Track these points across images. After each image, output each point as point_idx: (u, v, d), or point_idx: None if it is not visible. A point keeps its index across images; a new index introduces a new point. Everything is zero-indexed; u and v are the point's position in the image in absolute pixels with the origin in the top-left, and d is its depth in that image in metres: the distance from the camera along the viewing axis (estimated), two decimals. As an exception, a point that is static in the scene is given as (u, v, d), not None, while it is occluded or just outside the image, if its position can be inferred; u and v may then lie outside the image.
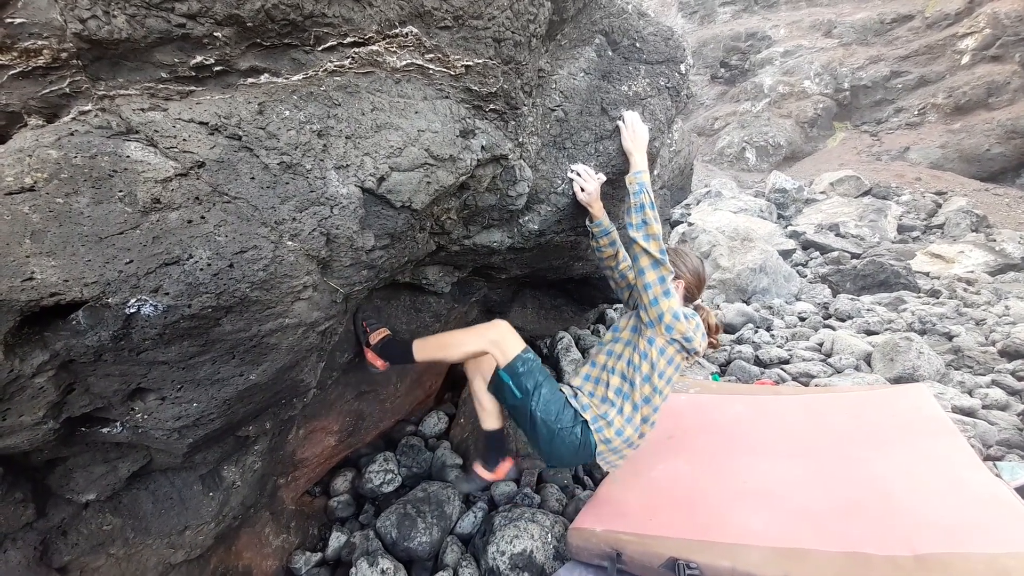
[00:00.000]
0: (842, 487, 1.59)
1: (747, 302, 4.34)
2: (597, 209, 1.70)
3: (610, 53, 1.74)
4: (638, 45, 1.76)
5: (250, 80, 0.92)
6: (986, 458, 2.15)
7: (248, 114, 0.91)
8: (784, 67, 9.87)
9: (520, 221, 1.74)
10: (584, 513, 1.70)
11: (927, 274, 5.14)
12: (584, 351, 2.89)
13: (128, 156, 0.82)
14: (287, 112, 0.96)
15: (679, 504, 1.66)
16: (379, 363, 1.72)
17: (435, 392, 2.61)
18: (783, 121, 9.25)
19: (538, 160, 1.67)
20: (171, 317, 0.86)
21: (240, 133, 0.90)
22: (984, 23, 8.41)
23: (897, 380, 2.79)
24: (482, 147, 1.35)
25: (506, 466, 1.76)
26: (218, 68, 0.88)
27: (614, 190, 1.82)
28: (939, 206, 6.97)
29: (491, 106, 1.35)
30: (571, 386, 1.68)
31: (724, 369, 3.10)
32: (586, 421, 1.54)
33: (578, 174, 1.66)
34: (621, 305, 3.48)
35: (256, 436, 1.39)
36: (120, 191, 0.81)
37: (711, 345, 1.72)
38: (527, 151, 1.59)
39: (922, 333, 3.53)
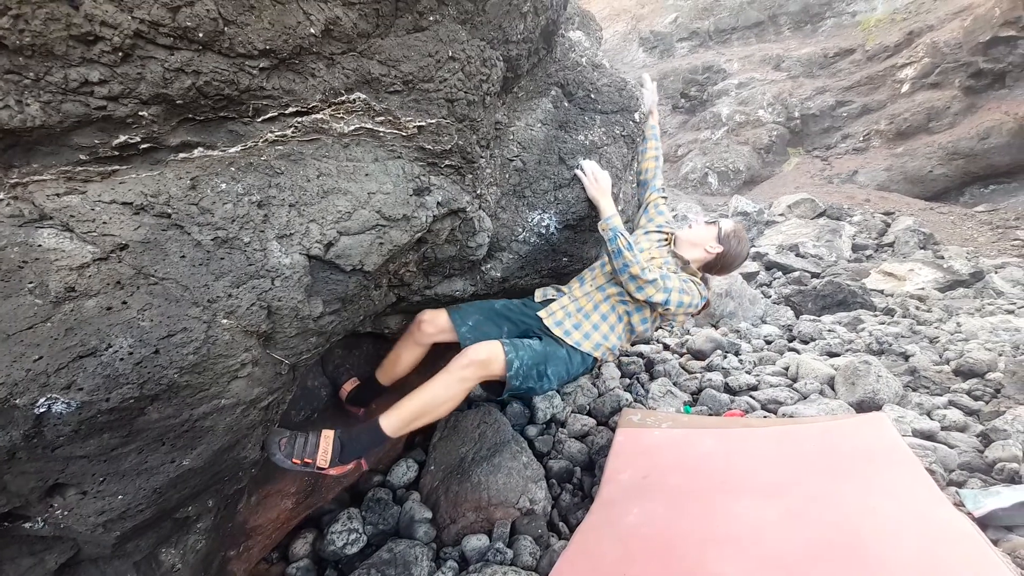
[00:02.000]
0: (812, 530, 1.58)
1: (715, 326, 4.42)
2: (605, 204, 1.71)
3: (566, 104, 1.78)
4: (593, 96, 1.81)
5: (182, 155, 0.88)
6: (949, 483, 2.20)
7: (179, 191, 0.87)
8: (739, 97, 10.44)
9: (482, 269, 1.72)
10: (557, 570, 1.64)
11: (882, 291, 5.37)
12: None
13: (40, 245, 0.76)
14: (223, 185, 0.92)
15: (653, 555, 1.62)
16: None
17: (404, 438, 2.51)
18: (741, 148, 9.71)
19: (498, 209, 1.67)
20: (86, 413, 0.78)
21: (169, 211, 0.85)
22: (923, 52, 8.96)
23: (859, 404, 2.85)
24: (438, 203, 1.33)
25: (352, 469, 1.47)
26: (145, 146, 0.84)
27: (576, 235, 1.83)
28: (888, 225, 7.36)
29: (447, 162, 1.35)
30: (564, 306, 1.77)
31: (696, 398, 3.11)
32: (595, 358, 1.75)
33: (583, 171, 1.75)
34: None
35: (198, 514, 1.29)
36: (30, 283, 0.75)
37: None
38: (486, 201, 1.59)
39: (879, 354, 3.64)
